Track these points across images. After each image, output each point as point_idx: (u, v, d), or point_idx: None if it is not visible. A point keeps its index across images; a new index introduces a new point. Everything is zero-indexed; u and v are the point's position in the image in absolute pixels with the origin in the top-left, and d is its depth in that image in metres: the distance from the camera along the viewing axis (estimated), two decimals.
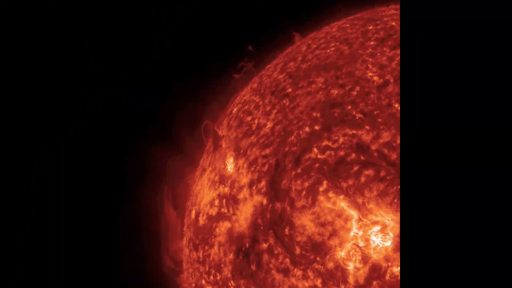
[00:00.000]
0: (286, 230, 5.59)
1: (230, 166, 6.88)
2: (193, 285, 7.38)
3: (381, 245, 5.10)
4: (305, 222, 5.46)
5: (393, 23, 7.30)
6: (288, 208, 5.62)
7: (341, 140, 5.63)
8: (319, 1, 9.52)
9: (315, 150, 5.75)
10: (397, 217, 5.03)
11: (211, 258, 6.73)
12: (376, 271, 5.08)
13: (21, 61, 8.52)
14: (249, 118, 7.17)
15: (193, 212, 7.69)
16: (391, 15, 7.73)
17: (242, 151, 6.71)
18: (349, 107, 5.90)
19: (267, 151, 6.27)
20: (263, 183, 6.04)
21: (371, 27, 7.41)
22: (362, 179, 5.26)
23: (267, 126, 6.59)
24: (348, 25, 8.07)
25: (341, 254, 5.25)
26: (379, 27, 7.33)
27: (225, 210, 6.62)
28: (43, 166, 8.76)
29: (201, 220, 7.22)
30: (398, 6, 8.08)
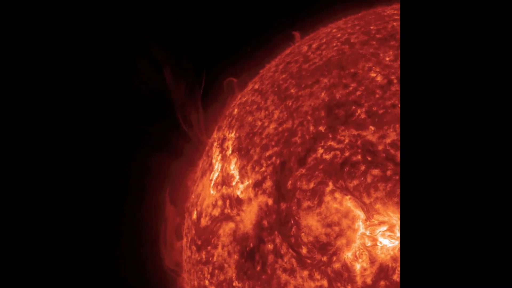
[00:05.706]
0: (292, 231, 5.58)
1: (233, 166, 6.86)
2: (196, 286, 7.35)
3: (388, 245, 5.11)
4: (312, 223, 5.46)
5: (394, 23, 7.30)
6: (294, 208, 5.62)
7: (346, 140, 5.64)
8: (319, 1, 9.51)
9: (320, 150, 5.75)
10: None
11: (214, 259, 6.70)
12: (383, 271, 5.09)
13: (20, 61, 8.47)
14: (251, 119, 7.15)
15: (195, 213, 7.65)
16: (392, 15, 7.74)
17: (245, 152, 6.69)
18: (354, 107, 5.91)
19: (271, 151, 6.26)
20: (268, 183, 6.03)
21: (372, 27, 7.41)
22: (369, 179, 5.27)
23: (271, 127, 6.57)
24: (348, 25, 8.07)
25: (348, 254, 5.25)
26: (380, 27, 7.33)
27: (229, 211, 6.60)
28: (43, 166, 8.72)
29: (204, 221, 7.19)
30: (399, 6, 8.09)
